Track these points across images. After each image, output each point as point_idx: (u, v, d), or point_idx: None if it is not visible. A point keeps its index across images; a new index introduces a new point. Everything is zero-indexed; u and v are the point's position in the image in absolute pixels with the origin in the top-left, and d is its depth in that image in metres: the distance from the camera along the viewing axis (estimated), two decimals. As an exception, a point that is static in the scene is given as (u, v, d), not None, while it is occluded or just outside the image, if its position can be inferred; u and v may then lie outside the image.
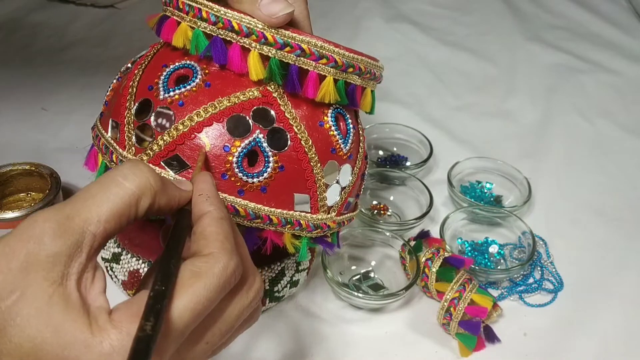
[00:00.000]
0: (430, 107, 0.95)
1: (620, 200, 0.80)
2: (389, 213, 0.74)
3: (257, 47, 0.46)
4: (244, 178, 0.46)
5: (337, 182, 0.51)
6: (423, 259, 0.63)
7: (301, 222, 0.49)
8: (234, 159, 0.46)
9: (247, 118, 0.46)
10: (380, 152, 0.83)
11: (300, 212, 0.49)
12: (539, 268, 0.69)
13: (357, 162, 0.53)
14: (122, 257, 0.58)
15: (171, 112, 0.46)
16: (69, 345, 0.30)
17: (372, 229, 0.67)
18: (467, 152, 0.84)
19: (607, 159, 0.87)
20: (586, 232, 0.75)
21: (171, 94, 0.47)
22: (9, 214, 0.60)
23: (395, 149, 0.83)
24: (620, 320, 0.64)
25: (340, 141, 0.50)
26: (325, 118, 0.50)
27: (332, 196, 0.51)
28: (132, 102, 0.48)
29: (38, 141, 0.81)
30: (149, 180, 0.35)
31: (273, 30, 0.46)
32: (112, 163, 0.48)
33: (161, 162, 0.46)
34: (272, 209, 0.48)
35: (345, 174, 0.52)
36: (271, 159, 0.47)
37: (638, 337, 0.62)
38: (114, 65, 0.56)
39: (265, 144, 0.47)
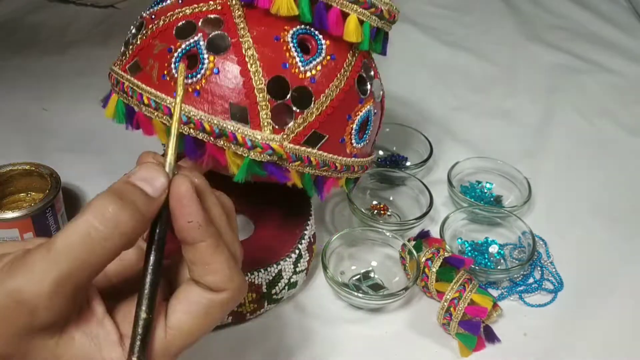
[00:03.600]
0: (430, 107, 0.95)
1: (620, 200, 0.80)
2: (389, 213, 0.74)
3: None
4: None
5: (286, 102, 0.49)
6: (423, 259, 0.63)
7: (237, 135, 0.47)
8: (173, 59, 0.48)
9: (196, 23, 0.49)
10: (380, 152, 0.83)
11: (236, 123, 0.47)
12: (539, 268, 0.69)
13: (329, 91, 0.50)
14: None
15: (143, 23, 0.52)
16: None
17: (372, 229, 0.67)
18: (467, 152, 0.84)
19: (607, 159, 0.87)
20: (586, 232, 0.75)
21: (150, 10, 0.53)
22: (9, 214, 0.60)
23: (395, 149, 0.83)
24: (620, 320, 0.64)
25: (297, 59, 0.49)
26: (284, 34, 0.49)
27: (281, 116, 0.49)
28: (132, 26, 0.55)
29: (38, 141, 0.81)
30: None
31: None
32: (112, 85, 0.53)
33: (126, 68, 0.51)
34: (205, 115, 0.47)
35: (304, 98, 0.50)
36: (206, 60, 0.48)
37: (638, 337, 0.62)
38: (114, 65, 0.56)
39: (203, 47, 0.48)
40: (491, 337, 0.60)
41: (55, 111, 0.86)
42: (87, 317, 0.33)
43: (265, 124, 0.48)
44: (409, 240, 0.66)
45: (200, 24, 0.49)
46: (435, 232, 0.68)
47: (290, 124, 0.49)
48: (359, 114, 0.53)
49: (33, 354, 0.31)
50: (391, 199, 0.76)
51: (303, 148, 0.50)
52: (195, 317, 0.35)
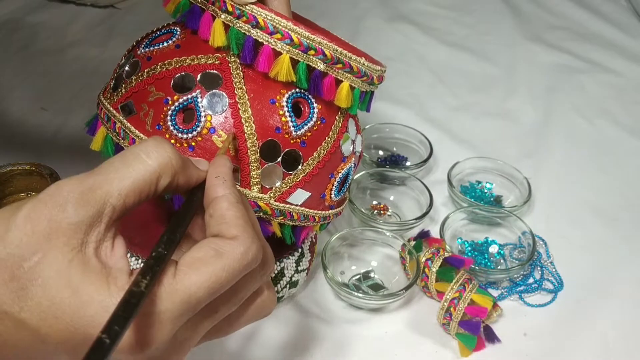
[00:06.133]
0: (430, 107, 0.94)
1: (620, 200, 0.80)
2: (389, 213, 0.74)
3: (222, 15, 0.48)
4: (175, 132, 0.48)
5: (276, 164, 0.50)
6: (423, 259, 0.63)
7: None
8: (169, 111, 0.48)
9: (194, 78, 0.49)
10: (380, 152, 0.83)
11: None
12: (539, 268, 0.69)
13: (316, 154, 0.52)
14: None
15: (138, 64, 0.51)
16: (85, 305, 0.32)
17: (372, 229, 0.67)
18: (467, 152, 0.84)
19: (607, 159, 0.87)
20: (586, 232, 0.75)
21: (145, 50, 0.52)
22: (9, 214, 0.60)
23: (395, 149, 0.83)
24: (620, 320, 0.64)
25: (290, 123, 0.50)
26: (279, 97, 0.50)
27: (270, 177, 0.50)
28: (124, 58, 0.54)
29: (38, 141, 0.81)
30: (170, 159, 0.37)
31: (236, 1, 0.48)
32: (100, 117, 0.53)
33: (118, 107, 0.51)
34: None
35: (293, 161, 0.51)
36: (203, 118, 0.48)
37: (638, 337, 0.62)
38: (114, 65, 0.56)
39: (201, 104, 0.48)
40: (491, 337, 0.60)
41: (55, 111, 0.86)
42: (107, 249, 0.35)
43: (255, 183, 0.50)
44: (409, 240, 0.66)
45: (198, 78, 0.49)
46: (435, 232, 0.68)
47: (278, 184, 0.51)
48: (340, 172, 0.55)
49: (48, 259, 0.32)
50: (391, 199, 0.76)
51: (287, 205, 0.52)
52: (204, 255, 0.35)
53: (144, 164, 0.36)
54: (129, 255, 0.57)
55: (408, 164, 0.80)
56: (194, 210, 0.39)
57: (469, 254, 0.68)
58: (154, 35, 0.54)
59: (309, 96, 0.51)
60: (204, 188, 0.39)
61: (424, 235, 0.66)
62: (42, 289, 0.32)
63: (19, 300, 0.32)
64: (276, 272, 0.58)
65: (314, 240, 0.63)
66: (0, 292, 0.32)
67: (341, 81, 0.51)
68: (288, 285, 0.59)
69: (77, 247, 0.33)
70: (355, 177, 0.73)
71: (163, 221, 0.61)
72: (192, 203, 0.39)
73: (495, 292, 0.66)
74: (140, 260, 0.57)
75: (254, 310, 0.40)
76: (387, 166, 0.79)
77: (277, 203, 0.51)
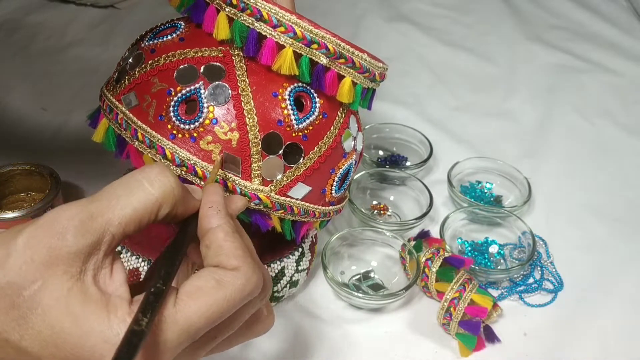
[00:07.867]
0: (430, 107, 0.94)
1: (620, 200, 0.80)
2: (389, 213, 0.74)
3: (226, 9, 0.49)
4: (177, 122, 0.48)
5: (277, 156, 0.50)
6: (423, 259, 0.63)
7: (227, 183, 0.49)
8: (172, 102, 0.48)
9: (197, 69, 0.49)
10: (380, 152, 0.83)
11: (228, 172, 0.49)
12: (539, 268, 0.69)
13: (318, 148, 0.52)
14: (121, 255, 0.58)
15: (142, 56, 0.51)
16: (86, 335, 0.32)
17: (372, 229, 0.67)
18: (467, 152, 0.84)
19: (607, 159, 0.87)
20: (586, 232, 0.75)
21: (149, 42, 0.52)
22: (9, 214, 0.60)
23: (395, 149, 0.83)
24: (620, 320, 0.64)
25: (292, 116, 0.50)
26: (282, 90, 0.50)
27: (272, 170, 0.50)
28: (128, 52, 0.55)
29: (38, 141, 0.81)
30: (173, 189, 0.36)
31: None
32: (102, 109, 0.53)
33: (121, 98, 0.51)
34: (198, 160, 0.48)
35: (294, 154, 0.51)
36: (205, 109, 0.48)
37: (638, 337, 0.62)
38: (114, 65, 0.56)
39: (204, 95, 0.49)
40: (491, 337, 0.60)
41: (55, 111, 0.86)
42: (106, 277, 0.34)
43: (256, 175, 0.50)
44: (409, 240, 0.66)
45: (202, 70, 0.49)
46: (435, 232, 0.68)
47: (279, 177, 0.51)
48: (341, 168, 0.55)
49: (48, 287, 0.32)
50: (391, 199, 0.76)
51: (288, 199, 0.52)
52: (204, 285, 0.34)
53: (146, 192, 0.35)
54: (129, 254, 0.57)
55: (408, 164, 0.80)
56: (189, 241, 0.38)
57: (469, 254, 0.68)
58: (158, 29, 0.54)
59: (311, 90, 0.52)
60: (198, 218, 0.39)
61: (424, 235, 0.66)
62: (42, 318, 0.32)
63: (20, 329, 0.32)
64: (276, 271, 0.58)
65: (314, 240, 0.63)
66: (0, 320, 0.32)
67: (343, 76, 0.51)
68: (288, 285, 0.59)
69: (76, 276, 0.33)
70: (355, 177, 0.73)
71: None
72: (187, 234, 0.38)
73: (495, 292, 0.66)
74: (140, 259, 0.57)
75: (252, 330, 0.41)
76: (387, 166, 0.79)
77: (277, 196, 0.51)
